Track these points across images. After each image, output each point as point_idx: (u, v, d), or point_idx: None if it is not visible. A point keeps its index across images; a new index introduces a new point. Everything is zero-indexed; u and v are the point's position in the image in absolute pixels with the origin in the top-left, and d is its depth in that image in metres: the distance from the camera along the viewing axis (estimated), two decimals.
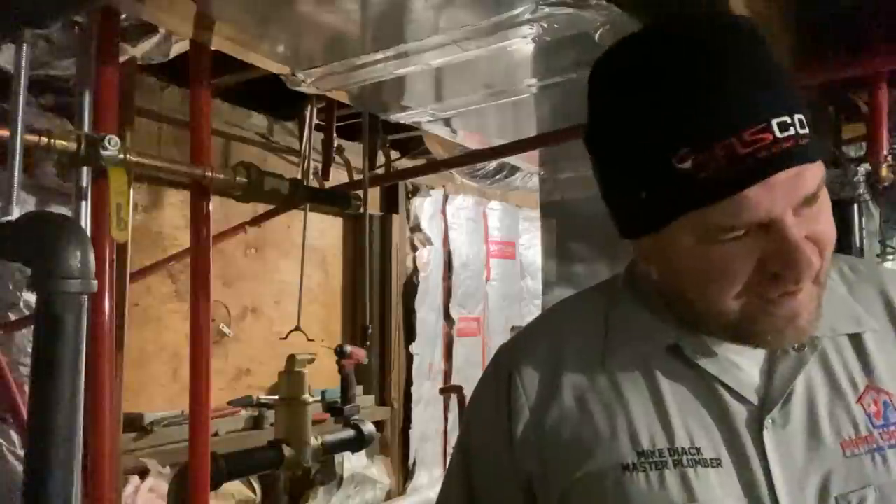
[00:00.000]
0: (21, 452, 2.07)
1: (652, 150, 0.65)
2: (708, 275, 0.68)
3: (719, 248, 0.65)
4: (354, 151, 3.04)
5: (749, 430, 0.70)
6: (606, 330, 0.79)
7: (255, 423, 2.92)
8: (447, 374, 4.22)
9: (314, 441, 2.09)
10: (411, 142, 3.48)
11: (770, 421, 0.70)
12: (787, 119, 0.62)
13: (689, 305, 0.73)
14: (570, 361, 0.78)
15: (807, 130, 0.63)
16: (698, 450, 0.70)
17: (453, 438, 4.09)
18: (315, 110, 2.74)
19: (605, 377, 0.76)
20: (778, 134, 0.62)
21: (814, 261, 0.65)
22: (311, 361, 2.19)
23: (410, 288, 3.97)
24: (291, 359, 2.15)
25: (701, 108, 0.63)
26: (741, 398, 0.72)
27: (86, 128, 1.39)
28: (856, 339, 0.75)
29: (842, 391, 0.73)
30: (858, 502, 0.67)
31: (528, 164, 3.26)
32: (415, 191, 4.03)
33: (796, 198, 0.64)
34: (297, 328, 2.45)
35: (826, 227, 0.68)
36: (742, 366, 0.74)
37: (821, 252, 0.67)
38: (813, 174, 0.65)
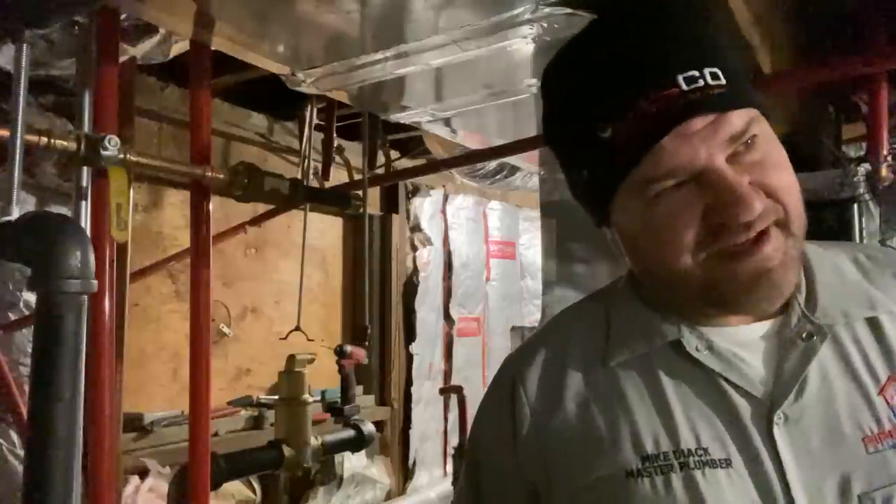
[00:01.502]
0: (21, 452, 2.07)
1: (580, 129, 0.71)
2: (659, 236, 0.69)
3: (662, 205, 0.68)
4: (354, 151, 3.04)
5: (758, 428, 0.68)
6: (608, 332, 0.77)
7: (255, 423, 2.93)
8: (447, 374, 4.22)
9: (314, 441, 2.09)
10: (411, 142, 3.48)
11: (781, 417, 0.67)
12: (695, 73, 0.65)
13: (663, 284, 0.73)
14: (572, 367, 0.77)
15: (721, 81, 0.66)
16: (706, 450, 0.67)
17: (453, 438, 4.09)
18: (315, 110, 2.74)
19: (608, 380, 0.74)
20: (684, 87, 0.65)
21: (755, 203, 0.65)
22: (311, 361, 2.19)
23: (410, 288, 3.98)
24: (291, 359, 2.15)
25: (613, 79, 0.68)
26: (747, 394, 0.69)
27: (86, 128, 1.38)
28: (874, 326, 0.72)
29: (861, 382, 0.69)
30: (884, 501, 0.64)
31: (528, 164, 3.27)
32: (415, 191, 4.03)
33: (718, 142, 0.65)
34: (297, 328, 2.45)
35: (777, 174, 0.67)
36: (748, 360, 0.71)
37: (775, 199, 0.67)
38: (737, 119, 0.66)
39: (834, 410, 0.68)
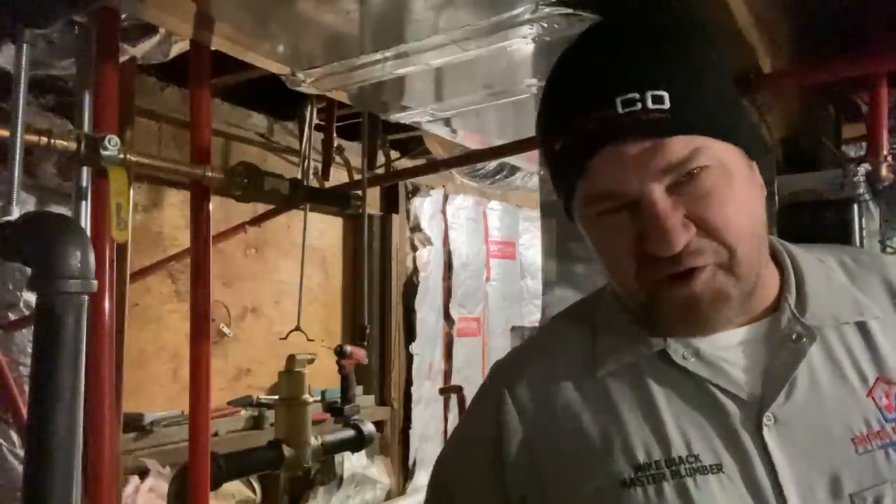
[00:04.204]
0: (21, 452, 2.07)
1: (544, 140, 0.75)
2: (604, 253, 0.72)
3: (603, 225, 0.70)
4: (354, 151, 3.04)
5: (747, 431, 0.68)
6: (595, 342, 0.77)
7: (255, 423, 2.93)
8: (447, 374, 4.22)
9: (314, 441, 2.09)
10: (411, 142, 3.48)
11: (770, 419, 0.68)
12: (635, 95, 0.65)
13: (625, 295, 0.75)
14: (562, 378, 0.76)
15: (663, 106, 0.65)
16: (696, 457, 0.68)
17: None
18: (315, 110, 2.74)
19: (598, 391, 0.74)
20: (619, 110, 0.65)
21: (676, 239, 0.64)
22: (311, 361, 2.18)
23: (410, 288, 3.98)
24: (291, 359, 2.15)
25: (565, 95, 0.72)
26: (736, 398, 0.69)
27: (86, 128, 1.38)
28: (862, 329, 0.72)
29: (850, 384, 0.69)
30: (875, 500, 0.64)
31: (528, 164, 3.26)
32: (415, 191, 4.03)
33: (653, 170, 0.65)
34: (297, 328, 2.45)
35: (720, 211, 0.66)
36: (736, 363, 0.71)
37: (716, 238, 0.66)
38: (677, 146, 0.65)
39: (823, 412, 0.68)
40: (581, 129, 0.67)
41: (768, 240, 0.77)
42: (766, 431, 0.68)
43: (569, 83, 0.72)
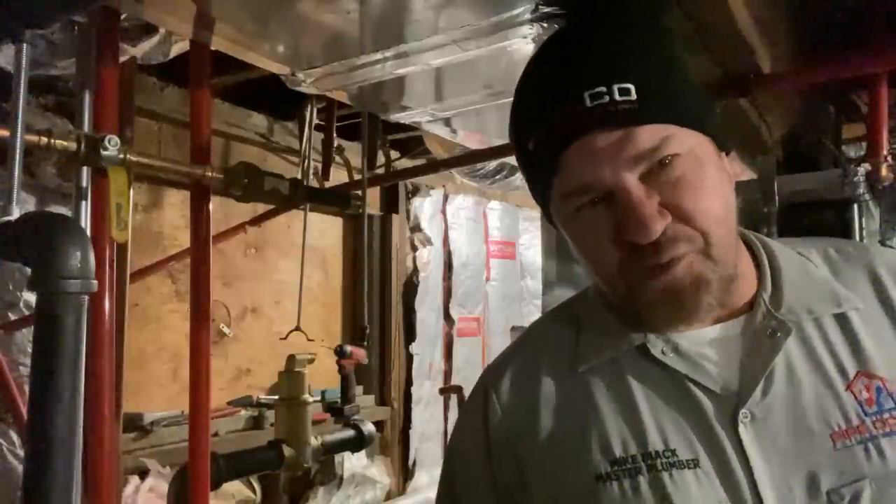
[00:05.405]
0: (21, 452, 2.07)
1: (518, 142, 0.76)
2: (585, 248, 0.73)
3: (581, 219, 0.71)
4: (354, 151, 3.04)
5: (724, 427, 0.68)
6: (577, 339, 0.78)
7: (255, 423, 2.93)
8: (447, 374, 4.22)
9: (314, 441, 2.09)
10: (411, 142, 3.48)
11: (746, 415, 0.67)
12: (602, 89, 0.66)
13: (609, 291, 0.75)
14: (544, 374, 0.78)
15: (630, 97, 0.66)
16: (673, 451, 0.68)
17: None
18: (315, 110, 2.74)
19: (578, 386, 0.75)
20: (588, 104, 0.66)
21: (654, 226, 0.65)
22: (311, 361, 2.19)
23: (410, 288, 3.98)
24: (291, 359, 2.15)
25: (535, 95, 0.73)
26: (713, 394, 0.69)
27: (86, 128, 1.38)
28: (843, 322, 0.72)
29: (829, 378, 0.69)
30: (853, 496, 0.63)
31: None
32: (415, 191, 4.03)
33: (624, 159, 0.66)
34: (297, 328, 2.45)
35: (692, 196, 0.67)
36: (714, 359, 0.71)
37: (690, 224, 0.67)
38: (646, 136, 0.66)
39: (801, 407, 0.68)
40: (551, 125, 0.69)
41: (744, 234, 0.78)
42: (741, 428, 0.67)
43: (538, 83, 0.73)
